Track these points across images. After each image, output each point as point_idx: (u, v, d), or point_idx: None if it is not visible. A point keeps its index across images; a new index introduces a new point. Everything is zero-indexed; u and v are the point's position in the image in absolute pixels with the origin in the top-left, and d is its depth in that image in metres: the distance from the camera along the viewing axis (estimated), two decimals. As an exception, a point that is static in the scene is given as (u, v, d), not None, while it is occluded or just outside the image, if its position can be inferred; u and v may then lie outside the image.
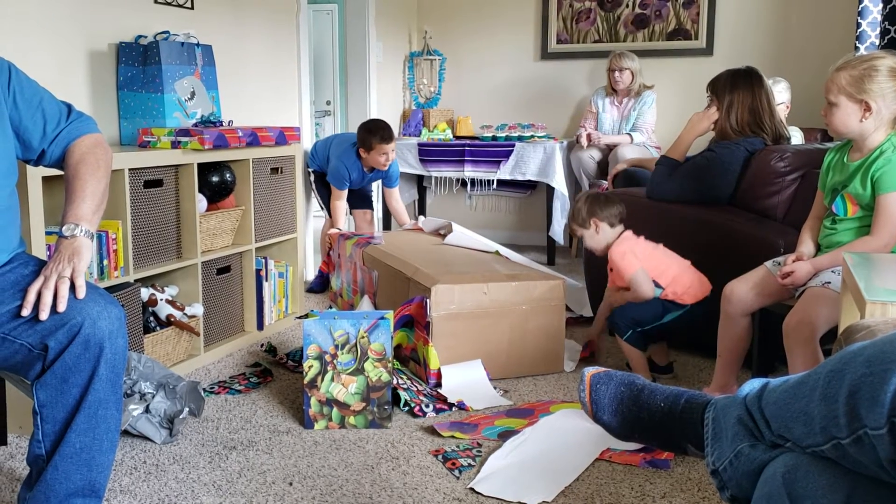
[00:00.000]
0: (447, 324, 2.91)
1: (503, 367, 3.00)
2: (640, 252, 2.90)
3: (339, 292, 4.11)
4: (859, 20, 4.54)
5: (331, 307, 4.04)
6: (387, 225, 5.53)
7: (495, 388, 2.88)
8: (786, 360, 2.36)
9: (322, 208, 4.57)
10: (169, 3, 3.47)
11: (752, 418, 1.21)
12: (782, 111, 4.12)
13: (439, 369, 2.85)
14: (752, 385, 1.27)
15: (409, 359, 3.02)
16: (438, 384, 2.84)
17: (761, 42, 5.16)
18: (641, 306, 2.86)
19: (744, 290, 2.57)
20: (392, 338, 2.55)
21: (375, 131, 4.16)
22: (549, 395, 2.84)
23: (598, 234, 2.97)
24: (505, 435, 2.45)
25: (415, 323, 2.96)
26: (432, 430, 2.51)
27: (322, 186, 4.48)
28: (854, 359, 1.06)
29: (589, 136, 5.09)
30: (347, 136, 4.42)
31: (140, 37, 3.24)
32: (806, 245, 2.53)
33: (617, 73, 5.02)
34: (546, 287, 3.05)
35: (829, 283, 2.32)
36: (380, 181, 4.64)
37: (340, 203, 4.35)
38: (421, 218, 4.37)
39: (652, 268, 2.87)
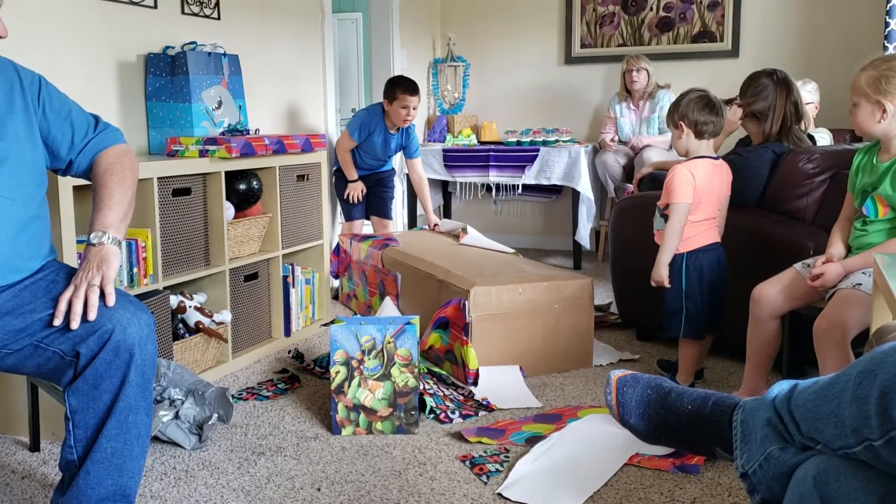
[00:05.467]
0: (485, 324, 2.96)
1: (537, 364, 3.08)
2: (699, 184, 2.69)
3: (352, 294, 4.13)
4: (887, 19, 4.48)
5: (354, 313, 4.06)
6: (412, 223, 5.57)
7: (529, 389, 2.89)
8: (816, 364, 2.33)
9: (341, 213, 4.59)
10: (196, 14, 3.51)
11: (781, 420, 1.20)
12: (811, 111, 4.09)
13: (478, 369, 2.88)
14: (781, 387, 1.25)
15: (444, 359, 3.03)
16: (476, 382, 2.87)
17: (788, 43, 5.12)
18: (669, 289, 2.78)
19: (773, 293, 2.55)
20: (419, 342, 2.56)
21: (400, 82, 4.22)
22: (578, 400, 2.83)
23: (681, 139, 2.77)
24: (533, 440, 2.44)
25: (450, 324, 2.98)
26: (459, 436, 2.50)
27: (340, 185, 4.48)
28: (885, 359, 1.04)
29: (614, 139, 5.10)
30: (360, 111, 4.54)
31: (168, 47, 3.28)
32: (836, 247, 2.50)
33: (634, 73, 5.01)
34: (576, 286, 3.13)
35: (860, 284, 2.29)
36: (400, 154, 4.68)
37: (348, 155, 4.35)
38: (444, 220, 4.46)
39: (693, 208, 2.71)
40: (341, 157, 4.37)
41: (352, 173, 4.37)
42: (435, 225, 4.47)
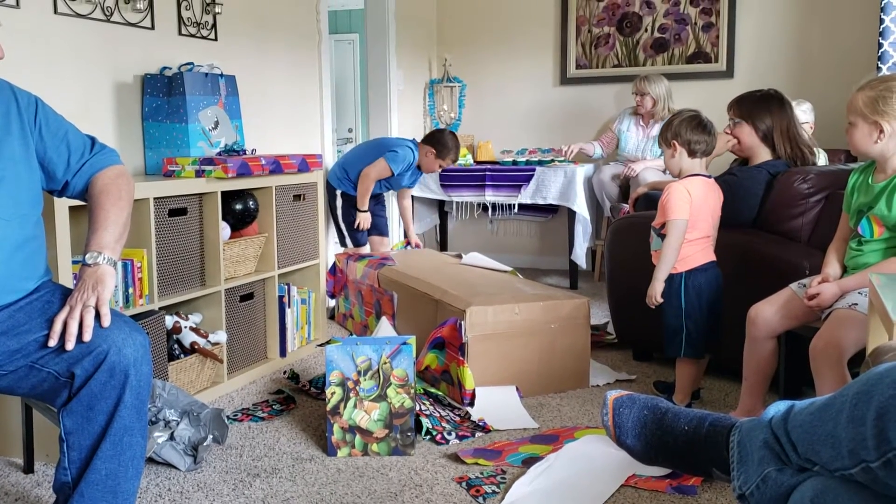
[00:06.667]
0: (481, 344, 2.96)
1: (533, 384, 3.06)
2: (695, 201, 2.71)
3: (348, 314, 4.12)
4: (881, 41, 4.52)
5: (351, 334, 4.05)
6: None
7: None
8: (813, 384, 2.33)
9: (346, 237, 4.55)
10: (193, 35, 3.53)
11: (778, 441, 1.20)
12: (806, 131, 4.11)
13: (474, 389, 2.86)
14: (778, 407, 1.25)
15: (440, 380, 3.02)
16: (472, 403, 2.86)
17: (782, 63, 5.15)
18: (665, 307, 2.77)
19: (769, 313, 2.55)
20: (415, 363, 2.55)
21: (454, 148, 4.44)
22: (574, 421, 2.82)
23: (674, 158, 2.80)
24: (529, 461, 2.43)
25: (446, 344, 2.98)
26: (456, 457, 2.49)
27: (349, 211, 4.46)
28: (881, 380, 1.04)
29: (581, 149, 5.28)
30: (390, 140, 4.63)
31: (165, 68, 3.29)
32: (832, 266, 2.50)
33: (638, 98, 5.04)
34: (572, 305, 3.13)
35: (856, 304, 2.29)
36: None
37: (373, 184, 4.38)
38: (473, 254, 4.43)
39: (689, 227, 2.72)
40: (367, 185, 4.33)
41: (365, 203, 4.39)
42: (417, 244, 4.74)
